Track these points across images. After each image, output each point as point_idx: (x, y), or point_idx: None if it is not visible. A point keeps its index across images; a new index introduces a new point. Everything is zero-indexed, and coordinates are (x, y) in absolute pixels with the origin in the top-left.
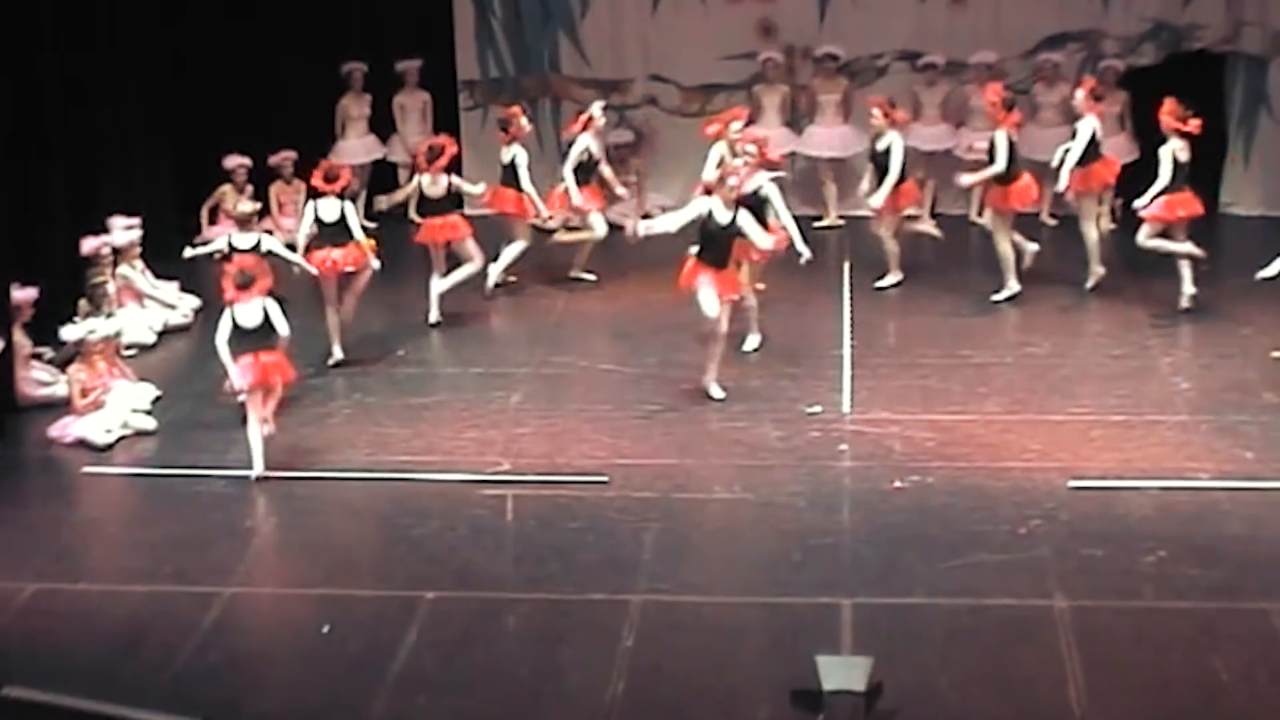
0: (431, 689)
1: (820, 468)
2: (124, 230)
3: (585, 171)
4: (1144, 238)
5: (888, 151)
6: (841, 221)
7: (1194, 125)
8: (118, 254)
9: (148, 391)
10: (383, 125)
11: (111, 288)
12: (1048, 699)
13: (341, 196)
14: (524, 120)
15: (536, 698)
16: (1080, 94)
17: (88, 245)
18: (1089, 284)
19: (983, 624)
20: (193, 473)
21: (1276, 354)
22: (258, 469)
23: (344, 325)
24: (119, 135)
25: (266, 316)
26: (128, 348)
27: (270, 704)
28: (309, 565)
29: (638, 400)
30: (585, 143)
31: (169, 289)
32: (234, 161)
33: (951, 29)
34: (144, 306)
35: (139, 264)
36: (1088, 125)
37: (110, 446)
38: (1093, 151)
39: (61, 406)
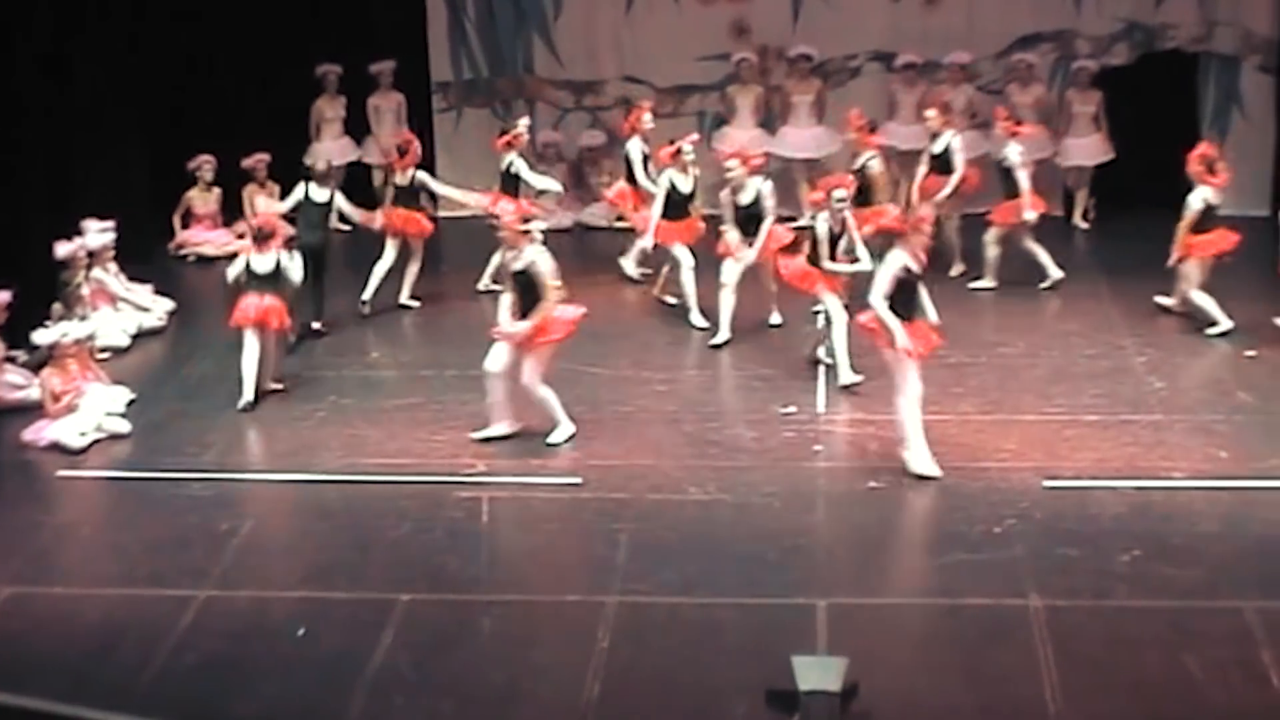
0: (407, 691)
1: (795, 468)
2: (98, 233)
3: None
4: (989, 239)
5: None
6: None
7: (1026, 128)
8: (92, 257)
9: (122, 394)
10: (357, 127)
11: (85, 291)
12: (1023, 698)
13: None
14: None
15: (512, 699)
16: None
17: (62, 249)
18: (1044, 285)
19: (958, 623)
20: (168, 475)
21: (1250, 353)
22: (246, 398)
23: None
24: (94, 138)
25: (278, 266)
26: (101, 351)
27: (246, 707)
28: (284, 568)
29: (612, 401)
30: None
31: (143, 292)
32: (196, 161)
33: (925, 29)
34: (117, 309)
35: (113, 267)
36: (1014, 153)
37: (84, 450)
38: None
39: (35, 410)
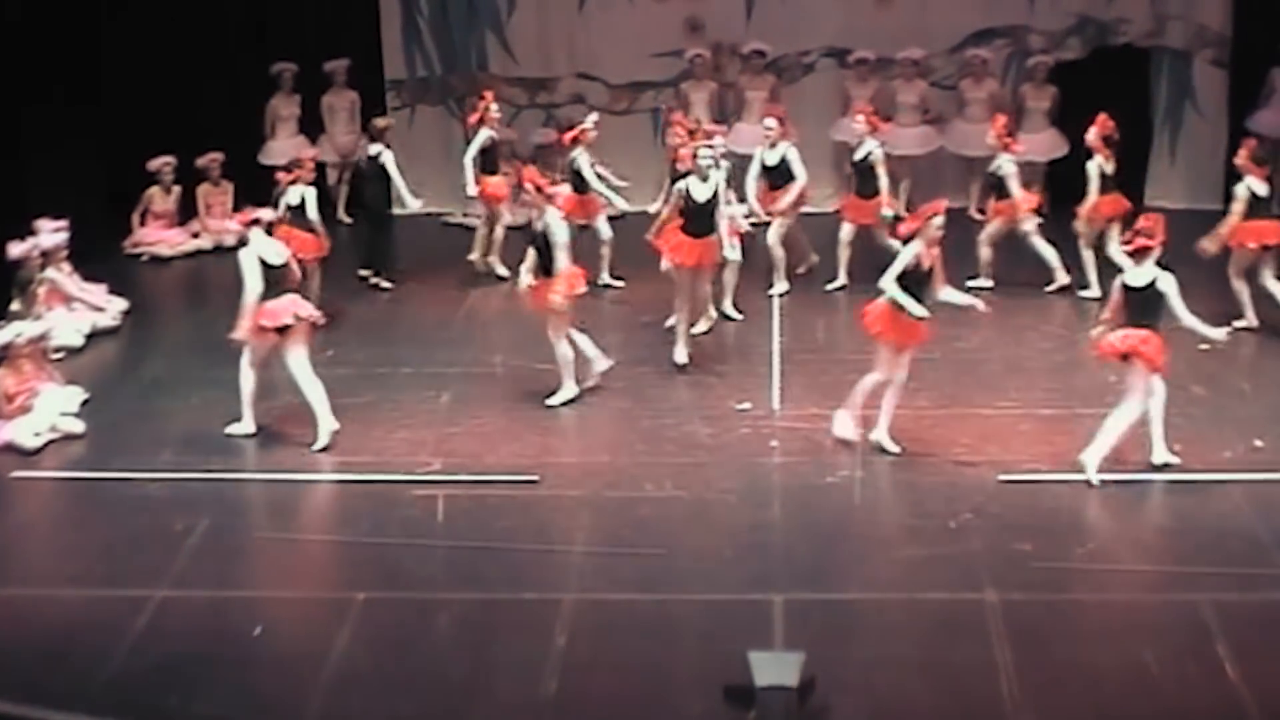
0: (364, 690)
1: (751, 464)
2: (51, 233)
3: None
4: (842, 236)
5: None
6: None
7: (885, 126)
8: (45, 256)
9: (76, 394)
10: (311, 125)
11: (39, 290)
12: (979, 693)
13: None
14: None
15: (469, 697)
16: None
17: (16, 249)
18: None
19: (914, 618)
20: (123, 476)
21: (1204, 346)
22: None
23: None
24: (47, 136)
25: (303, 201)
26: (55, 351)
27: (203, 707)
28: (240, 567)
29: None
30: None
31: (97, 291)
32: (158, 162)
33: (878, 25)
34: (71, 309)
35: (66, 266)
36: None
37: (39, 450)
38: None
39: None
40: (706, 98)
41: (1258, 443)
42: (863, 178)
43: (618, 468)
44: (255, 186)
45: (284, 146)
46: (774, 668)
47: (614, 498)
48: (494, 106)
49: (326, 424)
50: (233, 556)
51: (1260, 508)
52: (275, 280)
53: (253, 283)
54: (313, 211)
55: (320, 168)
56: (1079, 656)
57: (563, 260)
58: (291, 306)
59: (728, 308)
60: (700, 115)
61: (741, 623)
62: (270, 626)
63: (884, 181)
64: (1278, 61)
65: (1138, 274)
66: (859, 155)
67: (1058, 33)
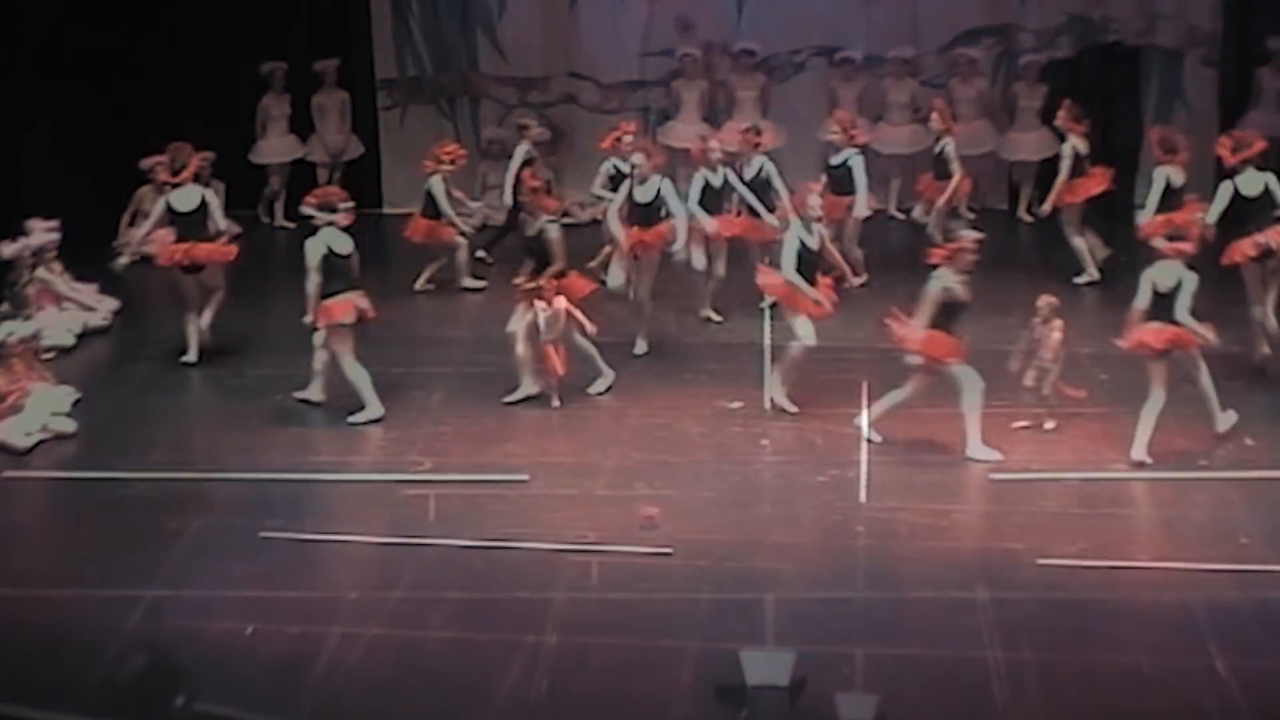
0: (356, 689)
1: (742, 463)
2: (42, 232)
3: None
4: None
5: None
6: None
7: (767, 141)
8: (36, 256)
9: (67, 394)
10: (301, 125)
11: (30, 290)
12: (971, 692)
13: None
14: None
15: (461, 696)
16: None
17: (8, 249)
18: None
19: (905, 617)
20: (114, 476)
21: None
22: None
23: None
24: (37, 137)
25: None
26: (46, 350)
27: (195, 707)
28: (232, 567)
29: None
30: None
31: (88, 291)
32: (150, 161)
33: (868, 24)
34: (62, 309)
35: (57, 266)
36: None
37: (30, 450)
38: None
39: None
40: (696, 97)
41: (1249, 441)
42: (758, 195)
43: (608, 466)
44: (246, 186)
45: (274, 146)
46: (765, 667)
47: (604, 496)
48: (628, 137)
49: None
50: (224, 556)
51: (1252, 506)
52: (182, 225)
53: (151, 220)
54: (444, 205)
55: (311, 167)
56: (1070, 655)
57: (310, 282)
58: (180, 247)
59: (709, 312)
60: (690, 114)
61: (732, 622)
62: (262, 626)
63: (783, 194)
64: (1266, 61)
65: (1248, 181)
66: (749, 174)
67: (1048, 31)
